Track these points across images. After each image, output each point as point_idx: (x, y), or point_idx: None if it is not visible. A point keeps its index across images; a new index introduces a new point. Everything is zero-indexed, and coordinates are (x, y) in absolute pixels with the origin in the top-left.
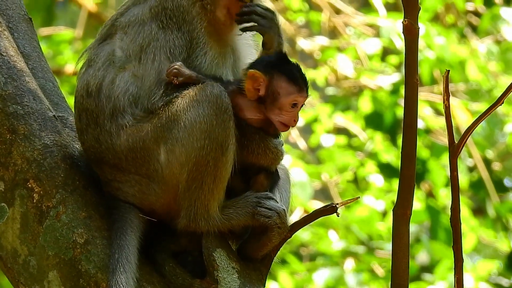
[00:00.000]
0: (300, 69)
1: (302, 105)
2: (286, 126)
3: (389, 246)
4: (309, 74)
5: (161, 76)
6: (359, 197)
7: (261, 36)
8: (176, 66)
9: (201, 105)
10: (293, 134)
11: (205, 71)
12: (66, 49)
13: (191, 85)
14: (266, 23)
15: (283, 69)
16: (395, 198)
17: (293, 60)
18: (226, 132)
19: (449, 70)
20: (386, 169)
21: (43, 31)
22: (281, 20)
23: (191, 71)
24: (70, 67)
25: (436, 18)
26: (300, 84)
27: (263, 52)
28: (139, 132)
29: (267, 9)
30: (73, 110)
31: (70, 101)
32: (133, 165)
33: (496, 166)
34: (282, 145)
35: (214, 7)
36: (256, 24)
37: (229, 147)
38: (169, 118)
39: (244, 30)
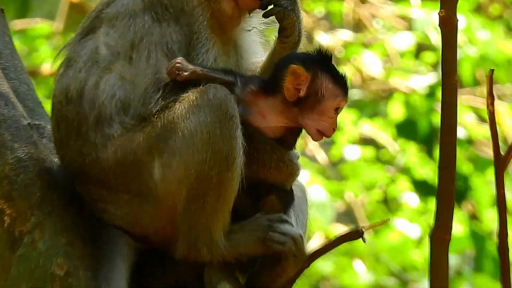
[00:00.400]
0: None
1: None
2: (322, 135)
3: (425, 278)
4: None
5: (159, 76)
6: (389, 219)
7: (269, 31)
8: (178, 61)
9: (202, 111)
10: (311, 145)
11: None
12: (43, 46)
13: (191, 86)
14: (289, 5)
15: (327, 68)
16: (432, 220)
17: None
18: (232, 142)
19: (493, 70)
20: (421, 187)
21: (17, 24)
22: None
23: (195, 66)
24: (47, 67)
25: (478, 9)
26: (345, 86)
27: (279, 40)
28: (129, 143)
29: None
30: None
31: (48, 106)
32: (122, 182)
33: None
34: (298, 158)
35: None
36: (276, 6)
37: (236, 160)
38: (165, 127)
39: (266, 16)
